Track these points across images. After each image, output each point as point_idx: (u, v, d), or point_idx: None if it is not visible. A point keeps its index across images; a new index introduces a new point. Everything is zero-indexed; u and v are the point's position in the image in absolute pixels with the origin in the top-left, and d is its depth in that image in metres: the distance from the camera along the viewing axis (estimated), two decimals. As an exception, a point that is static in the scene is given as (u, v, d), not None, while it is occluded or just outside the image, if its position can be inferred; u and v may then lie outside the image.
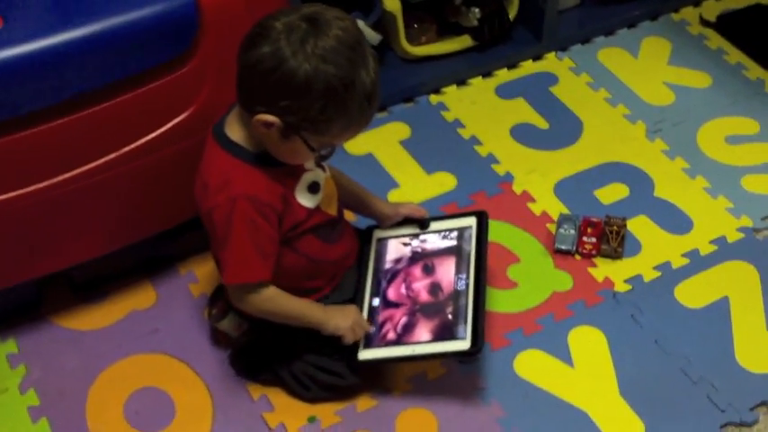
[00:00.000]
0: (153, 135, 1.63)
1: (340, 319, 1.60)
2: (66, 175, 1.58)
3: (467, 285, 1.66)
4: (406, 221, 1.79)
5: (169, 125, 1.64)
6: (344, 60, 1.38)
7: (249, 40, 1.42)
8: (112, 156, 1.61)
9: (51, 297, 1.84)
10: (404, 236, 1.78)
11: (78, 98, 1.53)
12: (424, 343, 1.61)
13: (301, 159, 1.52)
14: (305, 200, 1.56)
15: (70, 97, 1.51)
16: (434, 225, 1.78)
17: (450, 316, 1.63)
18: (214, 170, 1.52)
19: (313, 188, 1.58)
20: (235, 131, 1.51)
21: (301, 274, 1.63)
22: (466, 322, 1.61)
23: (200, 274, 1.88)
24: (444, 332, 1.62)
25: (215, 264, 1.68)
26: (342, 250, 1.70)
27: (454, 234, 1.74)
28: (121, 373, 1.73)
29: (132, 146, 1.62)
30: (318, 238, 1.62)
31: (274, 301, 1.57)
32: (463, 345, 1.59)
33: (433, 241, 1.75)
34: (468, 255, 1.70)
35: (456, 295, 1.65)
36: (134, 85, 1.57)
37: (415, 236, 1.77)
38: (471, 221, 1.75)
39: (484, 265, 1.68)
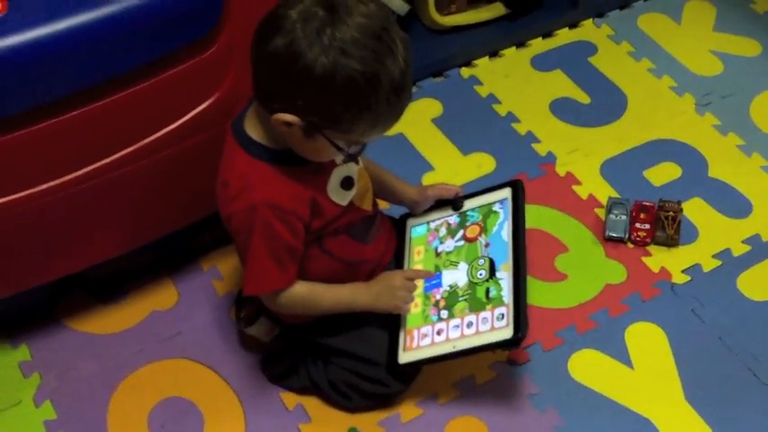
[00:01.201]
0: (174, 125, 1.48)
1: (387, 297, 1.49)
2: (82, 171, 1.44)
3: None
4: (439, 203, 1.65)
5: (191, 114, 1.49)
6: (368, 52, 1.23)
7: (261, 31, 1.27)
8: (131, 149, 1.46)
9: (65, 299, 1.70)
10: (435, 220, 1.64)
11: (94, 88, 1.37)
12: (464, 337, 1.48)
13: (328, 157, 1.37)
14: (338, 197, 1.42)
15: (84, 87, 1.36)
16: (468, 203, 1.63)
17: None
18: (234, 170, 1.37)
19: (346, 183, 1.43)
20: (255, 128, 1.37)
21: (336, 278, 1.49)
22: (507, 307, 1.47)
23: (224, 270, 1.75)
24: (484, 323, 1.48)
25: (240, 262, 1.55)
26: (378, 249, 1.56)
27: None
28: (144, 381, 1.60)
29: (152, 138, 1.47)
30: (353, 239, 1.49)
31: (309, 298, 1.44)
32: (505, 333, 1.45)
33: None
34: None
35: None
36: (153, 72, 1.42)
37: (448, 218, 1.63)
38: (506, 193, 1.60)
39: (522, 240, 1.52)
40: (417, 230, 1.65)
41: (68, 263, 1.56)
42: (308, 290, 1.44)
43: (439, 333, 1.50)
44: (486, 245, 1.55)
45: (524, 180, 1.86)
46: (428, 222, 1.65)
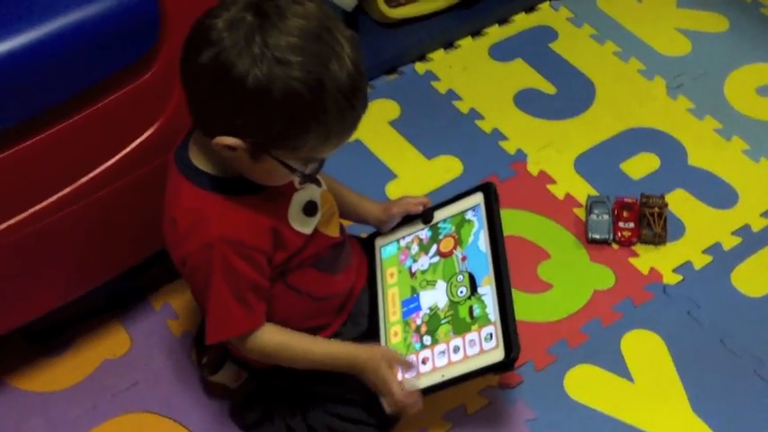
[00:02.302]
0: (114, 159, 1.32)
1: (374, 374, 1.32)
2: (14, 220, 1.26)
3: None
4: (408, 218, 1.51)
5: (132, 146, 1.33)
6: (307, 56, 1.08)
7: (188, 44, 1.13)
8: (68, 190, 1.29)
9: (4, 353, 1.52)
10: (405, 237, 1.51)
11: (18, 126, 1.20)
12: (452, 364, 1.35)
13: (283, 180, 1.22)
14: (300, 225, 1.28)
15: (6, 126, 1.19)
16: (438, 214, 1.49)
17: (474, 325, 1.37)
18: (182, 207, 1.22)
19: (309, 209, 1.29)
20: (199, 156, 1.22)
21: (304, 315, 1.36)
22: (494, 326, 1.34)
23: (178, 307, 1.59)
24: (471, 346, 1.36)
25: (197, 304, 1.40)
26: (349, 279, 1.42)
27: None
28: (101, 442, 1.45)
29: (91, 175, 1.30)
30: (320, 271, 1.34)
31: (285, 350, 1.30)
32: (496, 355, 1.32)
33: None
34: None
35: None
36: (85, 103, 1.25)
37: (419, 233, 1.50)
38: (478, 199, 1.46)
39: (501, 248, 1.39)
40: (387, 250, 1.52)
41: (4, 320, 1.39)
42: (284, 339, 1.29)
43: (424, 362, 1.37)
44: (464, 258, 1.42)
45: (495, 182, 1.75)
46: (398, 240, 1.51)
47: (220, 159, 1.19)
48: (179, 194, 1.23)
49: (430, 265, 1.45)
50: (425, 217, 1.50)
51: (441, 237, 1.46)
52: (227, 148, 1.14)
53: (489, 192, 1.44)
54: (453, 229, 1.46)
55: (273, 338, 1.28)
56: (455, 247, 1.44)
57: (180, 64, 1.15)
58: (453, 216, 1.47)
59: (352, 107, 1.13)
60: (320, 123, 1.12)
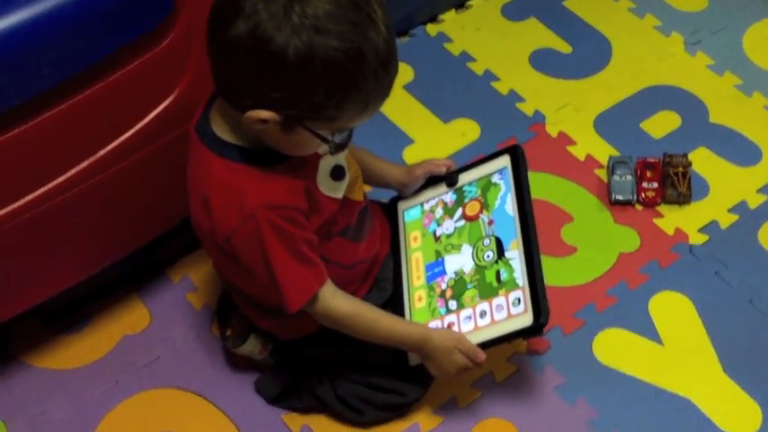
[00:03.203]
0: (132, 131, 1.28)
1: (444, 360, 1.31)
2: (33, 195, 1.24)
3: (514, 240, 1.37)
4: (431, 181, 1.48)
5: (150, 117, 1.29)
6: (346, 25, 1.05)
7: (217, 16, 1.09)
8: (86, 163, 1.26)
9: (20, 333, 1.49)
10: (429, 200, 1.47)
11: (36, 100, 1.16)
12: (479, 329, 1.32)
13: (312, 150, 1.19)
14: (330, 190, 1.24)
15: (25, 100, 1.15)
16: (463, 177, 1.46)
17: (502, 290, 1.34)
18: (213, 182, 1.18)
19: (337, 173, 1.25)
20: (224, 128, 1.18)
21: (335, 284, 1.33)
22: (522, 290, 1.32)
23: (197, 280, 1.56)
24: (498, 311, 1.33)
25: (223, 281, 1.38)
26: (374, 245, 1.40)
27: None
28: (126, 418, 1.42)
29: (109, 147, 1.27)
30: (347, 239, 1.32)
31: (354, 314, 1.26)
32: (525, 320, 1.29)
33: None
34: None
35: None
36: (102, 74, 1.22)
37: (443, 197, 1.46)
38: (505, 161, 1.43)
39: (530, 212, 1.36)
40: (410, 214, 1.49)
41: (24, 299, 1.36)
42: (354, 307, 1.27)
43: (449, 327, 1.34)
44: (490, 222, 1.39)
45: (514, 145, 1.72)
46: (421, 204, 1.48)
47: (247, 131, 1.16)
48: (209, 170, 1.18)
49: (455, 228, 1.42)
50: (450, 180, 1.46)
51: (466, 200, 1.43)
52: (259, 122, 1.10)
53: (517, 154, 1.41)
54: (479, 192, 1.43)
55: (344, 304, 1.25)
56: (481, 211, 1.41)
57: (208, 36, 1.10)
58: (479, 179, 1.44)
59: (387, 74, 1.11)
60: (359, 93, 1.09)
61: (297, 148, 1.17)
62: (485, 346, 1.32)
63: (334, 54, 1.05)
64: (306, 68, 1.05)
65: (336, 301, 1.25)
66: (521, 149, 1.42)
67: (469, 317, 1.34)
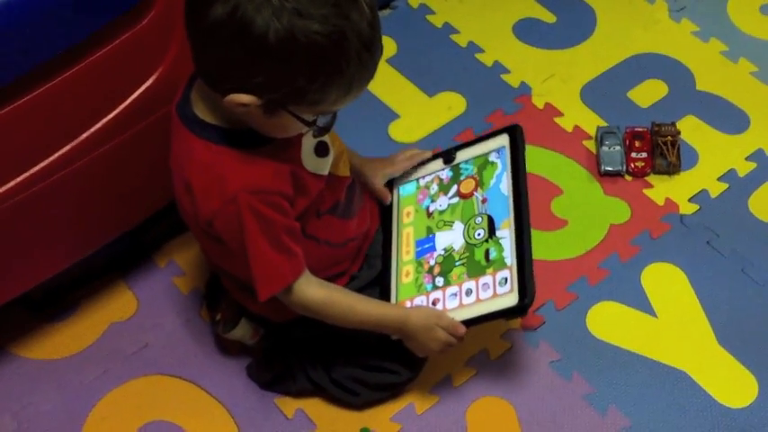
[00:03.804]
0: (115, 113, 1.25)
1: (426, 338, 1.29)
2: (15, 181, 1.20)
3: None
4: (426, 159, 1.46)
5: (133, 97, 1.25)
6: (328, 8, 1.02)
7: None
8: (68, 147, 1.23)
9: (5, 322, 1.45)
10: (425, 176, 1.45)
11: (15, 82, 1.13)
12: (463, 307, 1.31)
13: (295, 132, 1.16)
14: (315, 167, 1.22)
15: (2, 83, 1.12)
16: (461, 155, 1.44)
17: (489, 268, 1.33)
18: (194, 165, 1.16)
19: (321, 150, 1.23)
20: (205, 109, 1.15)
21: (324, 263, 1.31)
22: (510, 270, 1.31)
23: (184, 264, 1.53)
24: (485, 289, 1.31)
25: (211, 265, 1.35)
26: (364, 222, 1.38)
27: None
28: (117, 407, 1.39)
29: (92, 130, 1.24)
30: (337, 216, 1.30)
31: (329, 301, 1.25)
32: (510, 299, 1.28)
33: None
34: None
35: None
36: (81, 55, 1.18)
37: (439, 173, 1.44)
38: (503, 141, 1.41)
39: (524, 192, 1.35)
40: (406, 189, 1.47)
41: (7, 288, 1.32)
42: (328, 294, 1.25)
43: (434, 303, 1.32)
44: (484, 200, 1.37)
45: (500, 116, 1.71)
46: (417, 179, 1.46)
47: (229, 112, 1.12)
48: (190, 153, 1.16)
49: (449, 205, 1.40)
50: (447, 156, 1.45)
51: (462, 178, 1.41)
52: (240, 105, 1.07)
53: (516, 134, 1.39)
54: (475, 170, 1.41)
55: (318, 293, 1.23)
56: (476, 189, 1.39)
57: (186, 18, 1.07)
58: (476, 157, 1.42)
59: (371, 56, 1.08)
60: (342, 76, 1.06)
61: (280, 131, 1.14)
62: (468, 323, 1.30)
63: (316, 38, 1.02)
64: (287, 52, 1.02)
65: (311, 290, 1.23)
66: (520, 129, 1.40)
67: (455, 294, 1.32)
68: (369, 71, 1.10)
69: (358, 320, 1.27)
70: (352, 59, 1.05)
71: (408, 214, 1.44)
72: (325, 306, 1.25)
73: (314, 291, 1.23)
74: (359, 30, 1.04)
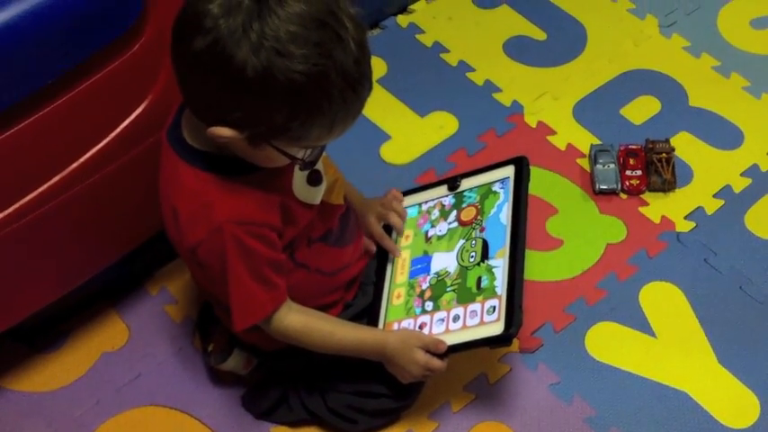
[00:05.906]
0: (104, 142, 1.23)
1: (406, 361, 1.26)
2: (4, 214, 1.18)
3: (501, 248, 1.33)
4: (433, 183, 1.45)
5: (122, 126, 1.24)
6: (310, 46, 1.00)
7: (179, 29, 1.04)
8: (58, 178, 1.21)
9: (-7, 354, 1.44)
10: (428, 201, 1.44)
11: (1, 114, 1.11)
12: (449, 332, 1.29)
13: (284, 163, 1.14)
14: (306, 196, 1.20)
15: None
16: (466, 182, 1.43)
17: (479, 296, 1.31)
18: (182, 192, 1.14)
19: (313, 178, 1.21)
20: (194, 135, 1.13)
21: (315, 292, 1.29)
22: (499, 299, 1.28)
23: (176, 291, 1.51)
24: (472, 317, 1.29)
25: (203, 293, 1.33)
26: (358, 249, 1.36)
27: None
28: (109, 441, 1.37)
29: (80, 161, 1.22)
30: (329, 245, 1.28)
31: (308, 329, 1.23)
32: (495, 328, 1.26)
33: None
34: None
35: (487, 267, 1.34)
36: (69, 85, 1.16)
37: (443, 199, 1.43)
38: (508, 171, 1.40)
39: (523, 224, 1.33)
40: (408, 213, 1.45)
41: (-2, 321, 1.30)
42: (308, 321, 1.23)
43: (421, 327, 1.31)
44: (482, 229, 1.36)
45: (492, 136, 1.69)
46: (420, 204, 1.45)
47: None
48: (177, 178, 1.14)
49: (448, 230, 1.39)
50: (452, 183, 1.44)
51: (464, 205, 1.40)
52: (223, 137, 1.06)
53: (521, 166, 1.38)
54: (478, 198, 1.40)
55: (296, 321, 1.21)
56: (476, 217, 1.38)
57: (171, 48, 1.05)
58: (480, 186, 1.41)
59: (356, 94, 1.05)
60: (324, 115, 1.04)
61: (266, 161, 1.13)
62: (453, 349, 1.28)
63: (295, 76, 1.00)
64: (265, 89, 1.00)
65: (290, 318, 1.21)
66: (526, 161, 1.39)
67: (442, 319, 1.31)
68: (354, 109, 1.08)
69: (337, 346, 1.25)
70: (335, 98, 1.03)
71: (407, 237, 1.43)
72: (302, 334, 1.23)
73: (292, 318, 1.21)
74: (343, 68, 1.02)
